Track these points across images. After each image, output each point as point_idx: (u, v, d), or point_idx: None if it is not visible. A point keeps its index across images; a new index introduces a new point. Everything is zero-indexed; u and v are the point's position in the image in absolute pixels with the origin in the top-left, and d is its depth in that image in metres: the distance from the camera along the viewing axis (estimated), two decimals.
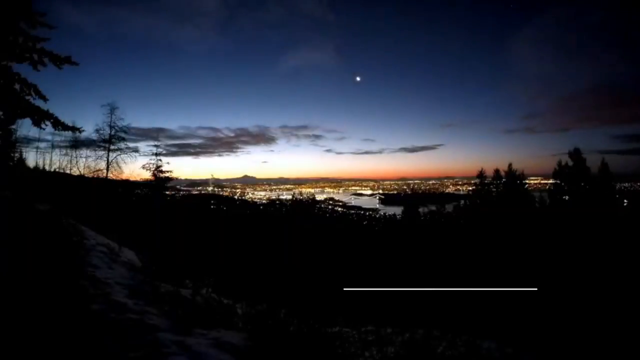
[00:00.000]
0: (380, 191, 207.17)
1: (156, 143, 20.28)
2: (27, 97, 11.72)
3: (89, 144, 21.51)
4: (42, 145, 24.62)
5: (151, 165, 19.55)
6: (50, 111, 12.16)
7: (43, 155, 24.89)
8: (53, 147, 24.64)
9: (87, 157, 22.07)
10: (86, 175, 20.72)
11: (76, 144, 22.80)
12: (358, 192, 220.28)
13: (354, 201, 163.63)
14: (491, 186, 16.57)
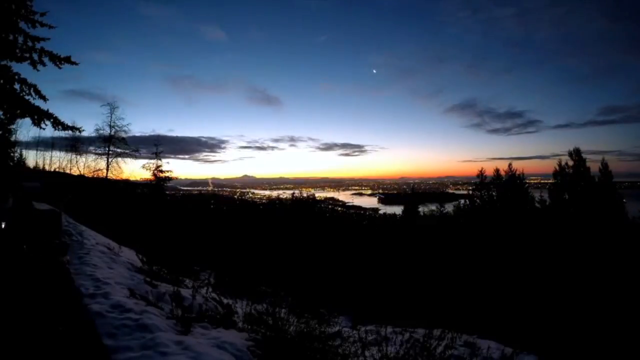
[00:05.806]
0: (380, 191, 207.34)
1: (156, 144, 20.26)
2: (27, 97, 11.73)
3: (89, 144, 21.59)
4: (42, 145, 24.60)
5: (151, 165, 19.52)
6: (50, 111, 12.17)
7: (43, 155, 24.90)
8: (53, 146, 24.67)
9: (87, 156, 22.15)
10: (86, 175, 20.79)
11: (76, 144, 22.86)
12: (358, 191, 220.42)
13: (354, 201, 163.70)
14: (491, 186, 16.59)
